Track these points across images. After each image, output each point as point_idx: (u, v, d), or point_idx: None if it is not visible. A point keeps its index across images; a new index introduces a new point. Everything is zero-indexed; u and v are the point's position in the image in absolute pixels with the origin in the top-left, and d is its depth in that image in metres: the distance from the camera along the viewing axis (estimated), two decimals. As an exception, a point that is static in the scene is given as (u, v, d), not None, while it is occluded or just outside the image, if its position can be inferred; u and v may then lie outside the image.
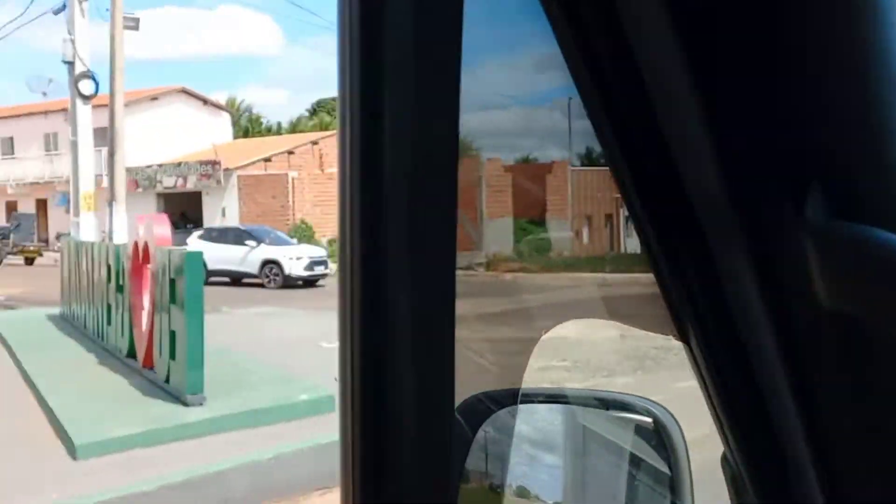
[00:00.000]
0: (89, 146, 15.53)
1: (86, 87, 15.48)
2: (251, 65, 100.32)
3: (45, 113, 41.52)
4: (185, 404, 6.65)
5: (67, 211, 40.41)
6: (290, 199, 32.20)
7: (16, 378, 8.40)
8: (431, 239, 0.48)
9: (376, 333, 0.49)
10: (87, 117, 15.51)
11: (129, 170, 37.11)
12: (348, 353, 0.49)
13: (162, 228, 7.90)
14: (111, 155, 15.51)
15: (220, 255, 21.33)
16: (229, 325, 12.28)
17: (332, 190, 33.97)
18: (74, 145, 15.53)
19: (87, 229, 15.31)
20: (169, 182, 35.46)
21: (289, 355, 9.02)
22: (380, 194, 0.47)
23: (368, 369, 0.49)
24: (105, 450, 5.71)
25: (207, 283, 19.52)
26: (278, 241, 23.17)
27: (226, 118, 43.77)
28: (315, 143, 37.99)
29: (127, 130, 37.31)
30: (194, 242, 21.71)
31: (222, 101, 46.10)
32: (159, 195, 36.50)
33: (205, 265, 19.53)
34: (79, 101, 15.46)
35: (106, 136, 38.03)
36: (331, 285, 20.24)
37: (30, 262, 35.43)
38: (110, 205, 15.21)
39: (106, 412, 6.50)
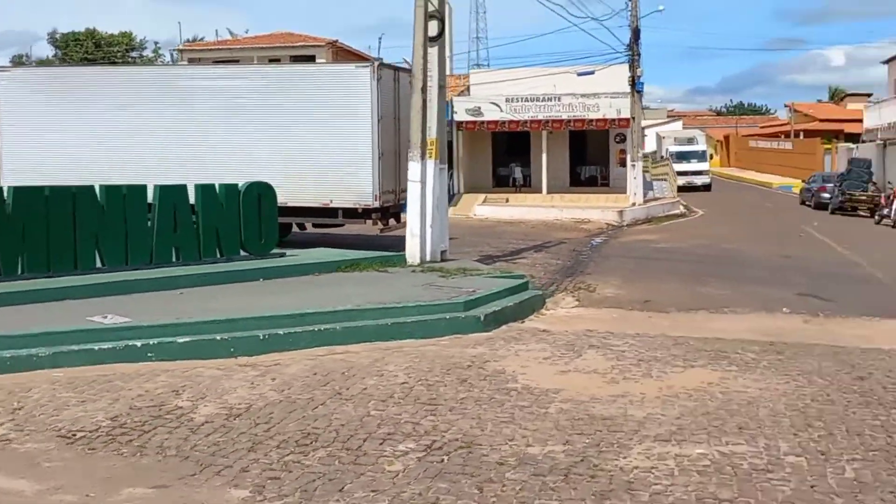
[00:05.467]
0: (434, 91, 14.68)
1: (432, 28, 14.69)
2: None
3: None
4: None
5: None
6: None
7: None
8: None
9: None
10: (433, 60, 14.65)
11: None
12: None
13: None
14: (424, 100, 14.30)
15: None
16: None
17: None
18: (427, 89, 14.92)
19: (424, 177, 14.54)
20: None
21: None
22: None
23: None
24: None
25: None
26: None
27: None
28: None
29: None
30: None
31: None
32: None
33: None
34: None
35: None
36: None
37: (870, 213, 31.35)
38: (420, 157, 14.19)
39: None
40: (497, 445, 6.02)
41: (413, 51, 14.79)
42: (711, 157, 68.50)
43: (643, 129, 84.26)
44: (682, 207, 33.96)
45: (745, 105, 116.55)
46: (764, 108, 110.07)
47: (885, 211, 27.97)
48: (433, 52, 14.73)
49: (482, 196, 31.48)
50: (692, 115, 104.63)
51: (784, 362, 8.81)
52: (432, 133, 14.75)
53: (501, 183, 35.62)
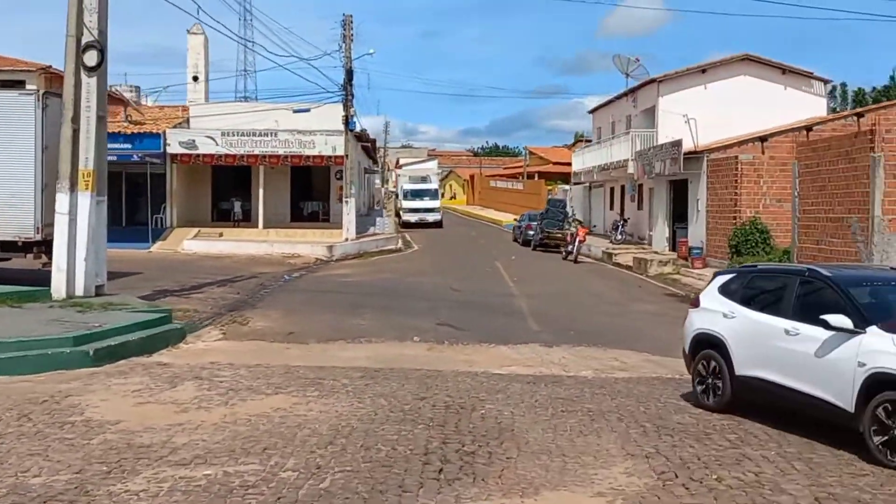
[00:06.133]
0: (93, 121, 14.41)
1: (91, 58, 14.44)
2: None
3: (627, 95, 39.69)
4: None
5: (633, 199, 38.48)
6: (737, 190, 23.84)
7: None
8: None
9: None
10: (92, 90, 14.43)
11: (640, 154, 32.95)
12: None
13: None
14: (74, 131, 14.02)
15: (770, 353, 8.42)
16: None
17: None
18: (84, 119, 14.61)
19: (75, 209, 14.17)
20: (658, 167, 30.11)
21: None
22: None
23: None
24: None
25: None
26: None
27: (819, 89, 34.58)
28: (861, 115, 27.21)
29: (673, 108, 33.40)
30: (709, 299, 9.55)
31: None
32: (670, 182, 31.23)
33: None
34: (83, 73, 14.52)
35: (650, 119, 34.64)
36: None
37: (555, 247, 34.17)
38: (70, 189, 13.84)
39: None
40: (4, 478, 6.01)
41: (64, 80, 14.46)
42: (444, 195, 71.86)
43: (401, 166, 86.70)
44: (399, 243, 35.27)
45: (500, 147, 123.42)
46: (516, 150, 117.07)
47: (570, 248, 30.74)
48: (91, 81, 14.45)
49: (195, 230, 30.91)
50: (449, 154, 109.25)
51: (368, 387, 9.48)
52: (89, 164, 14.43)
53: (223, 217, 35.21)
